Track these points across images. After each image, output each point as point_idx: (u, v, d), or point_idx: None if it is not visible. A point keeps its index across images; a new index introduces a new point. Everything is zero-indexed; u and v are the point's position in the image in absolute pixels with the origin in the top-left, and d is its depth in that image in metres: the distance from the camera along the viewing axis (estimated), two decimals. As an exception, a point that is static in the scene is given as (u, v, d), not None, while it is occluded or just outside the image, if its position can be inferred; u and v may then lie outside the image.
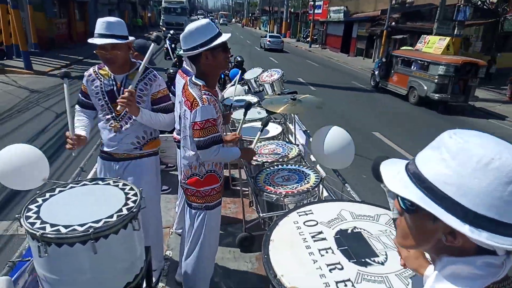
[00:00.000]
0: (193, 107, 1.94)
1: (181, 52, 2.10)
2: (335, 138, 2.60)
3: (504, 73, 14.51)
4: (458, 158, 0.60)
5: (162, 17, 31.19)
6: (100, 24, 2.13)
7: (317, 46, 32.80)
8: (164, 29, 27.55)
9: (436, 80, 10.86)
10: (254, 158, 2.73)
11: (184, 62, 3.07)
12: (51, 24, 18.11)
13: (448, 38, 12.72)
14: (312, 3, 32.75)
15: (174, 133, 2.94)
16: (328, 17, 30.25)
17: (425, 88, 11.28)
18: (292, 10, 42.50)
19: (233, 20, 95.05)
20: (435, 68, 10.94)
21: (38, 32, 15.48)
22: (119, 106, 2.12)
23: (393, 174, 0.70)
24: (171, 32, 15.52)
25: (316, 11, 32.37)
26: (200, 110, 1.91)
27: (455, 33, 15.42)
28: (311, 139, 3.48)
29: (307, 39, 34.11)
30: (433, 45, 12.67)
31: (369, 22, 23.76)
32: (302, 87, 12.69)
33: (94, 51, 2.17)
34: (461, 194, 0.59)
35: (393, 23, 20.12)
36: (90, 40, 2.13)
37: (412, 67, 12.06)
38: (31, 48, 14.06)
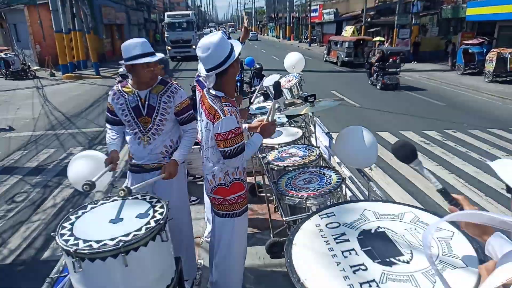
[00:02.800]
0: (215, 119, 2.00)
1: (204, 72, 2.08)
2: (359, 138, 2.59)
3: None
4: None
5: (166, 35, 25.74)
6: (138, 44, 2.21)
7: (316, 44, 37.82)
8: (169, 48, 24.46)
9: (345, 50, 20.59)
10: (275, 163, 2.76)
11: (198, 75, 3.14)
12: (101, 43, 24.46)
13: (353, 26, 24.38)
14: (309, 7, 38.80)
15: (198, 135, 3.04)
16: (323, 18, 36.11)
17: (342, 56, 21.02)
18: (297, 15, 46.90)
19: (239, 30, 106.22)
20: (345, 44, 20.84)
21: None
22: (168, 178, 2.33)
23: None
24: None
25: (313, 14, 38.30)
26: (223, 122, 1.97)
27: (413, 22, 21.50)
28: (333, 141, 3.44)
29: (307, 40, 39.80)
30: (348, 32, 23.89)
31: (353, 20, 29.68)
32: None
33: (145, 71, 2.24)
34: None
35: (369, 19, 26.52)
36: (141, 61, 2.19)
37: (337, 45, 21.88)
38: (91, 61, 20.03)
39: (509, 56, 13.93)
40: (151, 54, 2.25)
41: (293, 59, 4.86)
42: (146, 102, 2.33)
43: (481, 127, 8.55)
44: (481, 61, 15.46)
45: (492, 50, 14.95)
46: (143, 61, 2.20)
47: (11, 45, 21.71)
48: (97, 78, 18.16)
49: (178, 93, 2.40)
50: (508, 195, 0.99)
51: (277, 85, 2.49)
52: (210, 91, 2.10)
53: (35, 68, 19.61)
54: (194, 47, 24.68)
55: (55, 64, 18.76)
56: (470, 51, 16.32)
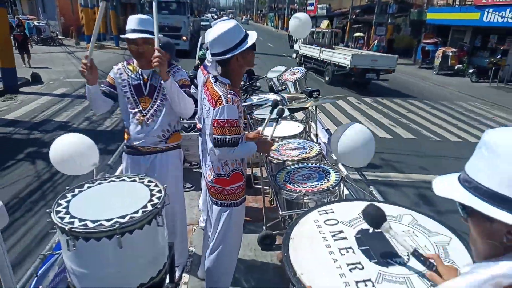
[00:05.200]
0: (217, 105, 1.96)
1: (209, 56, 2.05)
2: (356, 136, 2.57)
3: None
4: (491, 149, 0.62)
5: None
6: (133, 20, 2.24)
7: (308, 36, 40.59)
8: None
9: (321, 38, 21.03)
10: (274, 156, 2.74)
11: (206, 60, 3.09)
12: (118, 19, 26.21)
13: (327, 21, 28.51)
14: (306, 1, 42.04)
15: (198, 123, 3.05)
16: (317, 13, 38.25)
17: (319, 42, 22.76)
18: (296, 6, 49.04)
19: (238, 17, 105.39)
20: (321, 33, 21.28)
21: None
22: (153, 64, 2.14)
23: (444, 183, 0.74)
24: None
25: (309, 8, 40.60)
26: (223, 109, 1.93)
27: (389, 21, 24.98)
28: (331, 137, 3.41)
29: (301, 32, 43.53)
30: (324, 24, 26.57)
31: (342, 15, 33.08)
32: (285, 58, 21.18)
33: (127, 47, 2.28)
34: (500, 184, 0.59)
35: (354, 16, 29.49)
36: (125, 36, 2.26)
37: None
38: (111, 34, 23.00)
39: (450, 54, 18.29)
40: (143, 32, 2.22)
41: (298, 24, 4.34)
42: (149, 82, 2.32)
43: (404, 98, 12.92)
44: (434, 57, 19.51)
45: (439, 48, 19.01)
46: (125, 36, 2.24)
47: (37, 16, 24.67)
48: (117, 48, 20.94)
49: (179, 73, 2.40)
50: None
51: (281, 111, 2.51)
52: (216, 76, 2.06)
53: (60, 37, 23.03)
54: (184, 38, 18.79)
55: (77, 35, 22.33)
56: (426, 48, 20.56)
